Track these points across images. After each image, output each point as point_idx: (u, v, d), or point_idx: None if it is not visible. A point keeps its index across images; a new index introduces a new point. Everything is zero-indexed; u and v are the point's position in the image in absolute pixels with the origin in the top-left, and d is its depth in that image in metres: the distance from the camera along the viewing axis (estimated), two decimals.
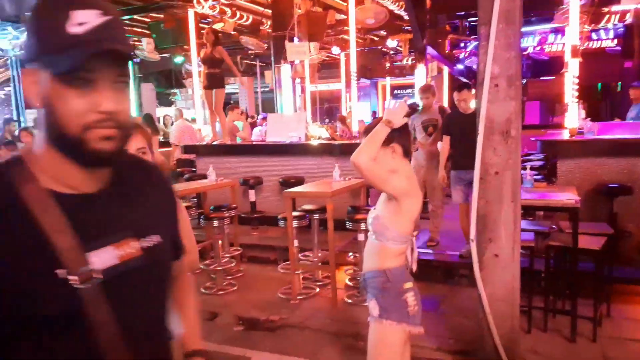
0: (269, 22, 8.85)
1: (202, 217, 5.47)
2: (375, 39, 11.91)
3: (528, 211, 4.42)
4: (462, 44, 12.65)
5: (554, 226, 4.07)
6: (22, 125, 9.38)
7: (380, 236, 2.12)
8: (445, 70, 11.52)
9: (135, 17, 8.96)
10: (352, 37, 7.05)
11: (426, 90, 5.61)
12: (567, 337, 3.58)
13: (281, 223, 5.05)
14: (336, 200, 4.66)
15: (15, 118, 9.73)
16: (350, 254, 5.31)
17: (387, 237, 2.10)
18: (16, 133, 8.87)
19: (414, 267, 2.15)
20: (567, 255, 3.70)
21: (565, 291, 3.83)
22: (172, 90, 14.70)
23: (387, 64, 15.64)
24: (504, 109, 2.85)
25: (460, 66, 12.90)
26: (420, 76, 7.49)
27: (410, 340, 2.22)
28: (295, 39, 6.75)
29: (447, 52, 10.72)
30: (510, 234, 2.96)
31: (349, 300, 4.62)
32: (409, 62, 14.94)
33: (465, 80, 13.56)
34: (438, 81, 10.35)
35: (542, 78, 13.40)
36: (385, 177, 2.11)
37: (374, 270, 2.14)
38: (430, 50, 7.77)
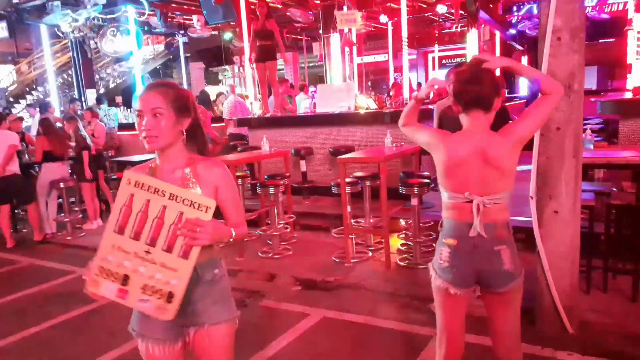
0: None
1: (258, 185, 5.64)
2: (424, 5, 11.63)
3: (587, 172, 4.32)
4: (514, 7, 12.16)
5: (614, 189, 3.97)
6: (85, 104, 9.85)
7: None
8: (497, 35, 11.15)
9: None
10: (403, 2, 6.94)
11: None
12: (628, 297, 3.53)
13: (334, 189, 5.15)
14: (388, 166, 4.70)
15: (77, 97, 10.24)
16: (401, 219, 5.37)
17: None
18: (80, 112, 9.35)
19: (472, 233, 2.00)
20: (628, 215, 3.61)
21: (626, 252, 3.75)
22: (222, 67, 14.97)
23: (436, 32, 15.26)
24: (566, 63, 2.79)
25: (512, 31, 12.43)
26: (472, 41, 7.31)
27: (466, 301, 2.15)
28: (345, 8, 6.73)
29: (499, 15, 10.34)
30: (572, 191, 2.93)
31: (403, 263, 4.69)
32: (459, 29, 14.53)
33: (517, 45, 13.06)
34: (490, 47, 10.05)
35: (600, 40, 12.72)
36: (411, 134, 2.23)
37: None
38: (482, 14, 7.55)
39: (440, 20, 14.34)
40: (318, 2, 8.85)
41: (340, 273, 4.57)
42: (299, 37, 13.80)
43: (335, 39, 7.06)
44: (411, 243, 4.78)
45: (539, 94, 2.00)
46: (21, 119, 8.44)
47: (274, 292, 4.41)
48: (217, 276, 1.83)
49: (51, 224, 6.85)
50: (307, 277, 4.57)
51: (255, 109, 8.57)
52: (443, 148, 2.05)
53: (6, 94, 16.54)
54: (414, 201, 4.60)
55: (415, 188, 4.52)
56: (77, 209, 7.30)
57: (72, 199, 7.33)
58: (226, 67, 14.68)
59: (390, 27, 11.55)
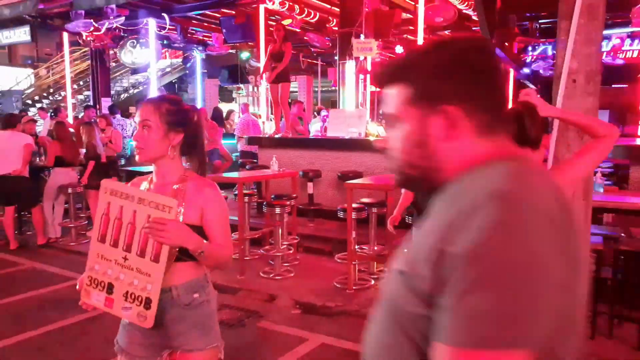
0: (335, 20, 9.01)
1: (264, 204, 5.65)
2: None
3: (597, 216, 4.29)
4: (529, 47, 12.30)
5: (623, 234, 3.95)
6: (99, 112, 9.97)
7: None
8: (511, 74, 11.25)
9: (207, 12, 9.35)
10: (420, 34, 7.05)
11: None
12: (634, 345, 3.47)
13: (340, 214, 5.14)
14: (396, 194, 4.70)
15: (92, 104, 10.39)
16: (406, 249, 5.33)
17: None
18: (94, 119, 9.46)
19: None
20: (637, 262, 3.57)
21: (633, 299, 3.70)
22: (237, 85, 15.16)
23: None
24: (580, 105, 2.81)
25: (526, 70, 12.54)
26: None
27: None
28: (362, 36, 6.84)
29: (514, 54, 10.47)
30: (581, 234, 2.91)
31: None
32: None
33: (531, 85, 13.18)
34: None
35: (613, 85, 12.82)
36: None
37: None
38: (497, 52, 7.65)
39: None
40: (336, 28, 9.00)
41: (342, 299, 4.52)
42: (315, 61, 13.99)
43: (350, 65, 7.14)
44: None
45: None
46: (34, 121, 8.55)
47: (273, 314, 4.37)
48: (197, 301, 1.75)
49: (56, 228, 6.86)
50: (308, 301, 4.53)
51: (267, 129, 8.65)
52: None
53: (23, 96, 16.78)
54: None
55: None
56: (82, 215, 7.32)
57: (79, 205, 7.36)
58: (241, 85, 14.87)
59: None
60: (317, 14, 8.84)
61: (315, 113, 9.59)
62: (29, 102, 17.05)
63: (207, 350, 1.76)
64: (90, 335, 3.99)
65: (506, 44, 9.56)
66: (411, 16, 8.66)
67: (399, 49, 11.28)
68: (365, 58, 7.29)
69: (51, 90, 17.58)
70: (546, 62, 12.06)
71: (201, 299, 1.76)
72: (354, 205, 4.81)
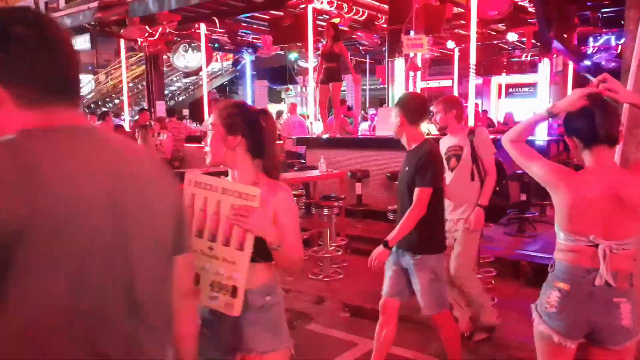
0: (384, 17, 8.86)
1: (312, 205, 5.62)
2: (493, 33, 11.38)
3: None
4: (590, 38, 11.64)
5: None
6: (154, 115, 10.28)
7: None
8: (570, 66, 10.70)
9: (256, 14, 9.45)
10: (473, 28, 6.80)
11: (440, 102, 3.69)
12: None
13: (390, 215, 5.03)
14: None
15: (146, 108, 10.74)
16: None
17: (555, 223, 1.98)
18: (150, 123, 9.78)
19: (598, 281, 1.79)
20: None
21: None
22: (286, 87, 15.28)
23: (504, 60, 14.87)
24: None
25: (587, 62, 11.89)
26: (544, 71, 7.04)
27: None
28: (412, 32, 6.67)
29: (574, 46, 9.94)
30: None
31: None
32: (529, 58, 14.08)
33: (591, 77, 12.48)
34: (562, 78, 9.65)
35: None
36: (516, 156, 2.02)
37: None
38: (555, 44, 7.27)
39: (510, 48, 13.98)
40: (385, 26, 8.84)
41: None
42: (363, 59, 13.86)
43: (400, 63, 6.99)
44: None
45: None
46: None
47: (321, 317, 4.32)
48: (269, 304, 1.78)
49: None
50: (357, 304, 4.45)
51: (315, 129, 8.63)
52: (565, 190, 1.87)
53: (84, 101, 17.62)
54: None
55: None
56: None
57: None
58: (289, 86, 14.97)
59: (456, 54, 11.38)
60: (366, 11, 8.73)
61: (362, 112, 9.51)
62: (93, 106, 17.88)
63: (280, 350, 1.80)
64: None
65: (565, 35, 9.07)
66: (463, 10, 8.37)
67: (450, 44, 11.00)
68: (416, 55, 7.12)
69: (111, 95, 18.38)
70: (609, 53, 11.38)
71: (273, 301, 1.80)
72: None
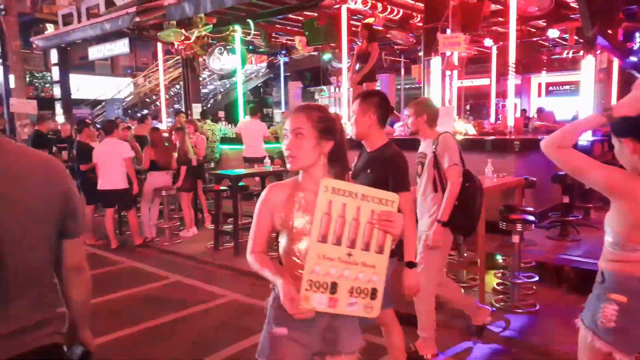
0: (419, 16, 8.72)
1: None
2: (533, 30, 11.03)
3: None
4: (637, 34, 11.13)
5: None
6: (188, 117, 10.44)
7: (605, 229, 1.89)
8: (615, 63, 10.26)
9: (290, 15, 9.45)
10: (512, 26, 6.59)
11: (412, 104, 3.59)
12: None
13: None
14: (487, 198, 4.40)
15: (183, 110, 10.91)
16: (499, 256, 5.00)
17: (606, 232, 1.86)
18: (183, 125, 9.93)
19: None
20: None
21: None
22: (319, 88, 15.28)
23: (544, 58, 14.41)
24: None
25: (633, 58, 11.38)
26: (587, 69, 6.76)
27: None
28: (448, 31, 6.52)
29: (619, 42, 9.52)
30: None
31: (498, 305, 4.34)
32: (570, 55, 13.61)
33: (638, 74, 11.96)
34: (606, 75, 9.26)
35: None
36: (573, 169, 1.90)
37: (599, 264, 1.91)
38: (600, 40, 6.96)
39: (550, 45, 13.54)
40: (420, 24, 8.69)
41: None
42: (398, 59, 13.69)
43: (436, 62, 6.85)
44: (509, 283, 4.41)
45: None
46: (129, 127, 9.11)
47: None
48: None
49: (152, 229, 7.26)
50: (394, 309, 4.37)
51: (349, 129, 8.55)
52: (633, 197, 1.75)
53: (123, 104, 18.09)
54: (515, 238, 4.25)
55: (518, 224, 4.17)
56: (175, 216, 7.68)
57: (172, 207, 7.73)
58: (323, 87, 14.96)
59: (494, 51, 11.10)
60: (400, 10, 8.59)
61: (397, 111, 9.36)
62: (136, 109, 18.36)
63: (359, 350, 1.88)
64: (181, 335, 4.13)
65: (609, 31, 8.70)
66: (501, 7, 8.14)
67: (488, 42, 10.73)
68: (452, 53, 6.96)
69: (149, 97, 18.81)
70: None
71: None
72: None
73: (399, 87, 16.30)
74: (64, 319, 1.64)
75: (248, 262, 1.85)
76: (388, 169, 2.64)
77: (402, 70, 14.25)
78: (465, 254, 4.84)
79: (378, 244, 1.68)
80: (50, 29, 16.50)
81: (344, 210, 1.67)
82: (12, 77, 9.78)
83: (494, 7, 8.15)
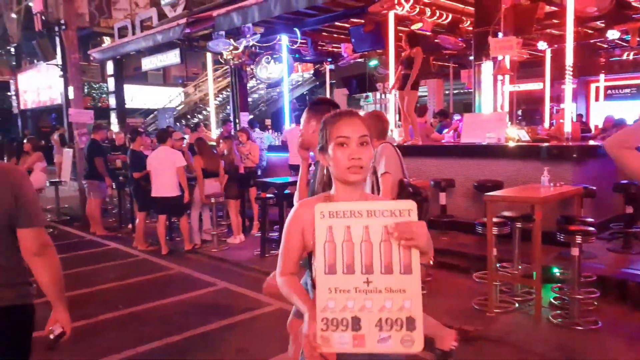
0: (469, 20, 8.51)
1: None
2: (590, 31, 10.55)
3: None
4: None
5: None
6: (238, 126, 10.63)
7: None
8: None
9: (337, 23, 9.46)
10: (569, 27, 6.30)
11: (366, 115, 3.68)
12: None
13: (479, 229, 4.74)
14: (544, 208, 4.19)
15: (231, 119, 11.12)
16: (556, 269, 4.75)
17: None
18: (232, 132, 10.09)
19: None
20: None
21: None
22: (365, 94, 15.21)
23: (602, 60, 13.75)
24: None
25: None
26: None
27: None
28: (500, 34, 6.32)
29: None
30: None
31: (556, 321, 4.11)
32: (631, 57, 12.93)
33: None
34: None
35: None
36: (634, 166, 1.75)
37: None
38: None
39: (609, 47, 12.90)
40: (470, 28, 8.48)
41: (481, 323, 4.14)
42: (446, 63, 13.43)
43: (487, 66, 6.64)
44: (567, 298, 4.18)
45: None
46: (183, 138, 9.34)
47: None
48: None
49: (201, 235, 7.38)
50: (443, 322, 4.21)
51: (395, 136, 8.44)
52: None
53: (174, 113, 18.64)
54: (575, 251, 4.02)
55: (578, 236, 3.95)
56: (223, 223, 7.79)
57: (220, 214, 7.85)
58: (369, 93, 14.88)
59: (548, 54, 10.68)
60: (450, 15, 8.42)
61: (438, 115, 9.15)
62: (180, 118, 18.89)
63: None
64: (228, 342, 4.14)
65: None
66: (556, 8, 7.82)
67: (542, 45, 10.35)
68: (504, 57, 6.73)
69: (201, 106, 19.31)
70: None
71: None
72: (494, 219, 4.39)
73: (447, 92, 15.99)
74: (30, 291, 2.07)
75: (277, 284, 1.69)
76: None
77: (451, 75, 13.96)
78: (519, 266, 4.63)
79: (403, 264, 1.42)
80: (106, 41, 17.27)
81: (349, 234, 1.45)
82: (70, 88, 10.24)
83: (548, 8, 7.84)
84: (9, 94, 19.99)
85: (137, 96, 19.81)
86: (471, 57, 8.15)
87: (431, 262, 1.54)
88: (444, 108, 12.86)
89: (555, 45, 10.21)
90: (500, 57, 6.56)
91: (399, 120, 8.69)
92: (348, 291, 1.43)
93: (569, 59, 6.35)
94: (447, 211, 6.52)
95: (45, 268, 2.00)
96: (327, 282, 1.44)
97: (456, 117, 9.39)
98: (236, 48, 10.23)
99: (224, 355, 3.92)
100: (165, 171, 6.84)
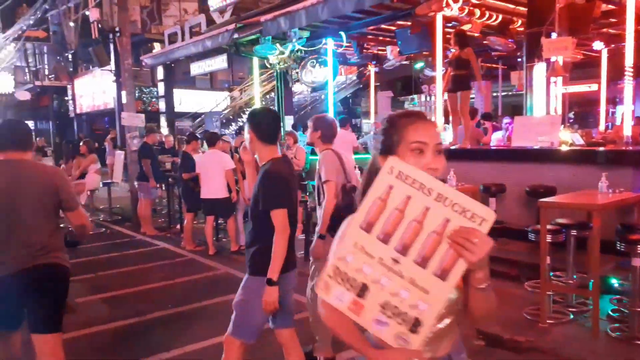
0: (520, 20, 8.26)
1: None
2: None
3: None
4: None
5: None
6: (283, 129, 10.73)
7: None
8: None
9: (382, 26, 9.38)
10: (630, 26, 5.98)
11: (312, 119, 3.78)
12: None
13: (531, 236, 4.57)
14: (602, 215, 4.00)
15: None
16: (614, 279, 4.53)
17: None
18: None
19: None
20: None
21: None
22: (411, 97, 15.04)
23: None
24: None
25: None
26: None
27: None
28: (554, 34, 6.09)
29: None
30: None
31: (615, 334, 3.91)
32: None
33: None
34: None
35: None
36: None
37: None
38: None
39: None
40: (521, 29, 8.22)
41: (533, 334, 3.99)
42: (495, 65, 13.07)
43: (539, 68, 6.42)
44: (627, 311, 3.96)
45: None
46: (228, 142, 9.50)
47: None
48: None
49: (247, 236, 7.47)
50: (493, 332, 4.09)
51: (442, 139, 8.30)
52: None
53: (221, 116, 19.03)
54: (636, 261, 3.81)
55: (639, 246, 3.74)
56: None
57: None
58: (414, 96, 14.70)
59: (604, 55, 10.21)
60: (500, 16, 8.19)
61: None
62: (226, 121, 19.27)
63: None
64: (273, 345, 4.15)
65: None
66: (614, 7, 7.47)
67: (598, 45, 9.92)
68: (557, 58, 6.49)
69: (244, 110, 19.64)
70: None
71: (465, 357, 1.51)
72: (548, 226, 4.22)
73: (495, 94, 15.57)
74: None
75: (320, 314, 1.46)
76: (259, 186, 2.76)
77: (500, 77, 13.58)
78: (574, 276, 4.44)
79: (442, 266, 1.24)
80: (156, 47, 17.84)
81: (405, 204, 1.25)
82: (123, 93, 10.63)
83: (605, 7, 7.50)
84: (66, 98, 20.97)
85: (185, 100, 20.34)
86: (521, 59, 7.91)
87: (485, 286, 1.31)
88: (490, 111, 12.53)
89: (612, 45, 9.75)
90: (553, 59, 6.32)
91: (446, 122, 8.55)
92: (372, 257, 1.28)
93: (629, 59, 6.04)
94: (497, 217, 6.32)
95: (78, 231, 3.04)
96: (357, 236, 1.29)
97: (505, 120, 9.12)
98: (282, 52, 10.33)
99: (272, 358, 3.94)
100: (214, 173, 6.97)
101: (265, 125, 2.80)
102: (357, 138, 9.42)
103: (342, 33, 9.70)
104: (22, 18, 19.00)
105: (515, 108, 15.96)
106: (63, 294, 2.85)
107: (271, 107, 13.12)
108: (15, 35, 18.93)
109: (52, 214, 2.81)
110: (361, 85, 18.87)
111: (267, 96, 18.03)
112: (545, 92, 6.54)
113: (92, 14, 12.08)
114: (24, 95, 21.98)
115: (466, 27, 7.93)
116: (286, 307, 2.90)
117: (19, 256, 2.71)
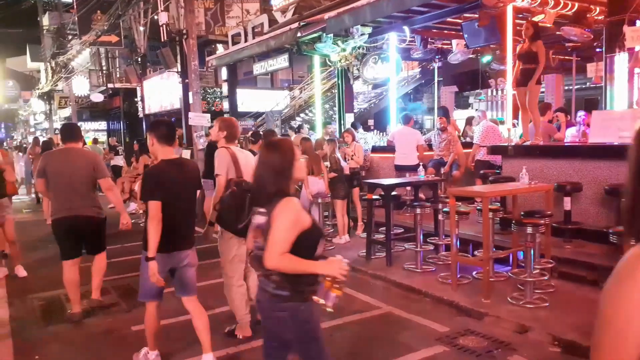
0: (598, 8, 7.73)
1: (513, 222, 5.10)
2: None
3: None
4: None
5: None
6: (343, 127, 10.68)
7: None
8: None
9: (448, 19, 9.09)
10: None
11: (218, 120, 4.53)
12: None
13: (613, 238, 4.27)
14: None
15: (336, 121, 11.20)
16: None
17: None
18: (337, 134, 10.17)
19: None
20: None
21: None
22: (476, 92, 14.55)
23: None
24: None
25: None
26: None
27: None
28: (638, 22, 5.65)
29: None
30: None
31: None
32: None
33: None
34: None
35: None
36: None
37: None
38: None
39: None
40: (601, 17, 7.70)
41: None
42: (568, 57, 12.34)
43: (621, 58, 5.97)
44: None
45: None
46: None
47: (526, 348, 3.85)
48: None
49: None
50: (570, 339, 3.86)
51: (512, 136, 7.93)
52: None
53: (282, 115, 19.26)
54: None
55: None
56: (328, 223, 7.85)
57: (326, 213, 7.91)
58: (480, 90, 14.20)
59: None
60: (575, 4, 7.69)
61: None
62: (286, 120, 19.48)
63: None
64: (336, 344, 4.11)
65: None
66: None
67: None
68: None
69: (303, 109, 19.78)
70: None
71: None
72: None
73: (569, 88, 14.74)
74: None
75: None
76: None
77: (574, 70, 12.82)
78: None
79: None
80: (220, 48, 18.31)
81: None
82: (190, 93, 10.97)
83: None
84: (135, 100, 21.99)
85: (247, 100, 20.73)
86: (599, 49, 7.41)
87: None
88: (563, 105, 11.84)
89: None
90: (637, 48, 5.87)
91: (514, 118, 8.16)
92: None
93: None
94: (572, 217, 5.98)
95: (110, 195, 4.90)
96: None
97: (580, 113, 8.59)
98: (344, 50, 10.26)
99: (333, 358, 3.90)
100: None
101: (165, 129, 3.49)
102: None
103: (406, 28, 9.51)
104: (97, 24, 20.09)
105: (588, 102, 15.04)
106: (104, 231, 4.98)
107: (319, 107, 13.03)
108: (90, 40, 20.04)
109: (91, 181, 4.76)
110: (423, 81, 18.48)
111: (328, 93, 18.03)
112: (627, 84, 6.08)
113: (162, 18, 12.54)
114: (97, 97, 23.29)
115: (539, 17, 7.52)
116: (182, 280, 3.58)
117: (78, 206, 4.63)
